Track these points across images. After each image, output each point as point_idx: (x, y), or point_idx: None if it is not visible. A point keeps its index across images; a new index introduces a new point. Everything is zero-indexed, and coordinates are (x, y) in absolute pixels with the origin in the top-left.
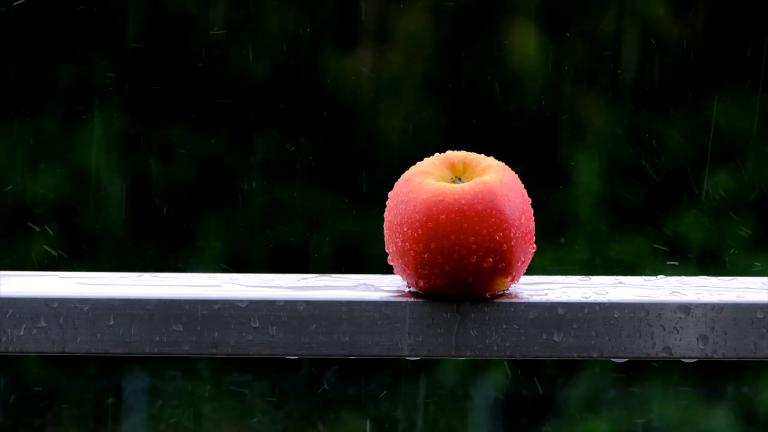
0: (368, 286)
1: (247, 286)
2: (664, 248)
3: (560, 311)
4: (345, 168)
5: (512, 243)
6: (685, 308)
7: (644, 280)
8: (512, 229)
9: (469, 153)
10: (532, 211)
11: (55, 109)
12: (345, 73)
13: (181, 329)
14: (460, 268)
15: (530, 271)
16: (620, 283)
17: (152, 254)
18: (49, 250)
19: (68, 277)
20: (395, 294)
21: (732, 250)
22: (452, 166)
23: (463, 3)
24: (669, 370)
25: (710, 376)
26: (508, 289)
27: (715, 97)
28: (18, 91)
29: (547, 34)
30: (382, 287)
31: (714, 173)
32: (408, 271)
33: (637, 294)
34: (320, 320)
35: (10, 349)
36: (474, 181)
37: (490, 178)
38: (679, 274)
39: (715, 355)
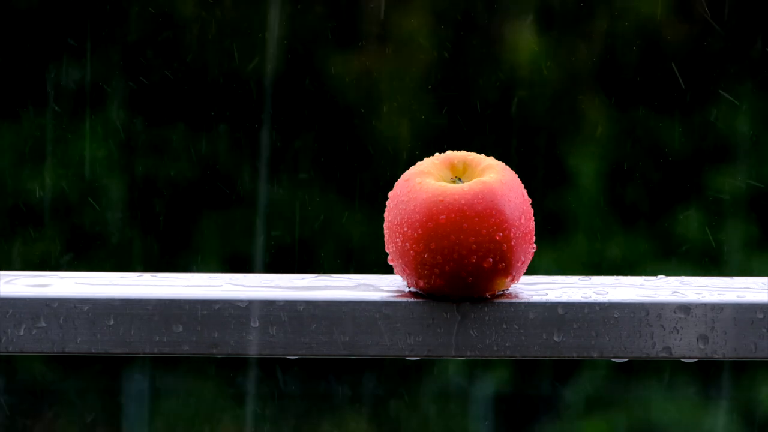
0: (368, 286)
1: (247, 286)
2: (664, 248)
3: (560, 311)
4: (345, 168)
5: (512, 243)
6: (685, 308)
7: (644, 280)
8: (512, 229)
9: (469, 153)
10: (532, 211)
11: (56, 108)
12: (345, 73)
13: (181, 329)
14: (460, 268)
15: (530, 271)
16: (620, 283)
17: (152, 254)
18: (49, 250)
19: (68, 277)
20: (395, 294)
21: (732, 250)
22: (452, 166)
23: (463, 3)
24: (669, 370)
25: (710, 376)
26: (508, 289)
27: (716, 96)
28: (18, 90)
29: (547, 34)
30: (382, 287)
31: (714, 173)
32: (408, 271)
33: (637, 294)
34: (320, 320)
35: (10, 349)
36: (474, 181)
37: (490, 178)
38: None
39: (715, 355)
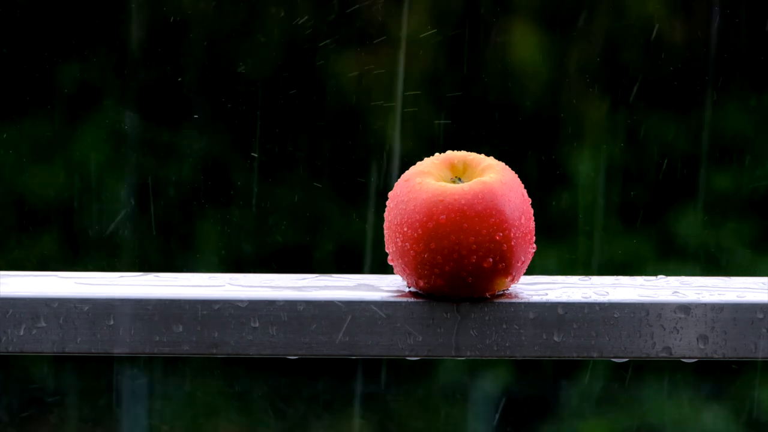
0: (368, 286)
1: (247, 286)
2: (664, 248)
3: (560, 311)
4: (345, 168)
5: (512, 243)
6: (685, 308)
7: (644, 280)
8: (512, 229)
9: (469, 153)
10: (532, 211)
11: (56, 108)
12: (345, 73)
13: (181, 329)
14: (460, 268)
15: (530, 271)
16: (620, 283)
17: (152, 254)
18: (49, 250)
19: (68, 277)
20: (395, 294)
21: (732, 250)
22: (452, 166)
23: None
24: (669, 370)
25: (710, 376)
26: (508, 289)
27: (716, 96)
28: (19, 90)
29: (548, 34)
30: (382, 287)
31: (714, 173)
32: (408, 271)
33: (637, 294)
34: (320, 320)
35: (10, 349)
36: (474, 181)
37: (490, 178)
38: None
39: (715, 355)
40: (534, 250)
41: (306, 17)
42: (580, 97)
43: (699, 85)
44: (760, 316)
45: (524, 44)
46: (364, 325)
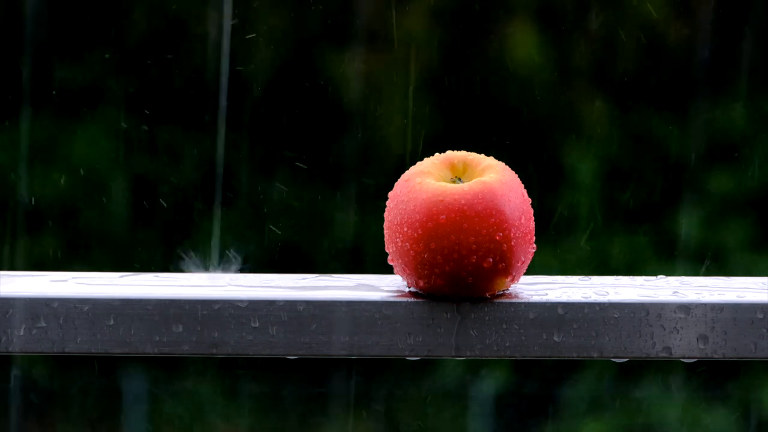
0: (368, 286)
1: (247, 286)
2: (664, 248)
3: (560, 311)
4: (345, 168)
5: (512, 243)
6: (685, 308)
7: (644, 280)
8: (512, 229)
9: (469, 153)
10: (532, 211)
11: (56, 108)
12: (345, 73)
13: (181, 329)
14: (460, 268)
15: (530, 271)
16: (620, 283)
17: (152, 254)
18: (50, 250)
19: (68, 277)
20: (395, 294)
21: (732, 250)
22: (452, 166)
23: (463, 3)
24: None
25: (710, 376)
26: (508, 289)
27: (715, 96)
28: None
29: (547, 34)
30: (382, 287)
31: (714, 173)
32: (408, 271)
33: (637, 294)
34: (320, 320)
35: (10, 349)
36: (474, 181)
37: (490, 178)
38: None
39: (715, 355)
40: (534, 250)
41: (306, 17)
42: (580, 96)
43: (699, 85)
44: (760, 316)
45: (524, 44)
46: (364, 325)
